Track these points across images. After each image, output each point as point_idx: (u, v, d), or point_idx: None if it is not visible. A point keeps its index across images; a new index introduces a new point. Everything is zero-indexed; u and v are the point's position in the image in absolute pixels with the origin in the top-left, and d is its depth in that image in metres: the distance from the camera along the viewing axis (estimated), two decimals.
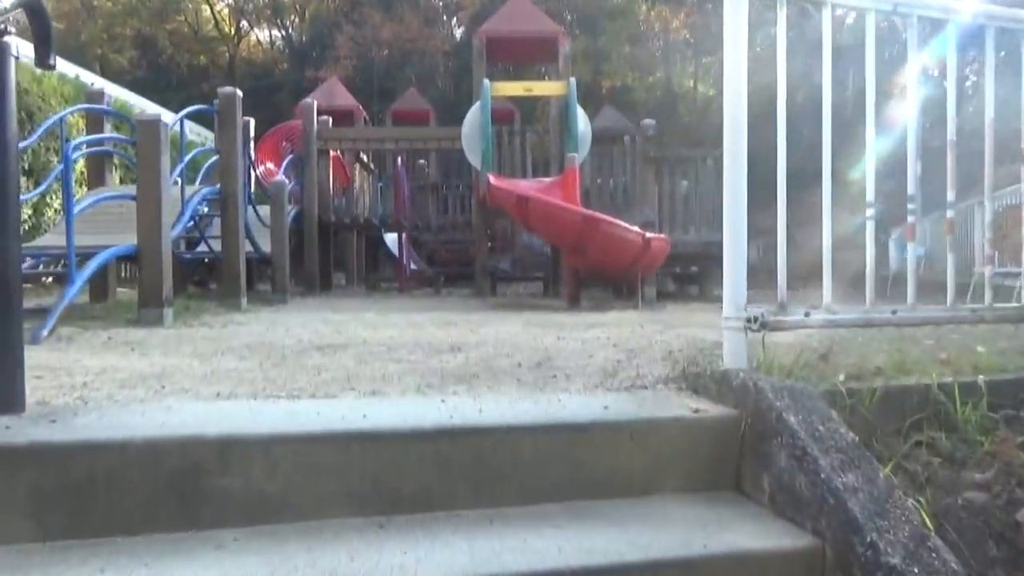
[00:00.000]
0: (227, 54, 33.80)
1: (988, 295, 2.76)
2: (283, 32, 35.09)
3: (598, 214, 7.19)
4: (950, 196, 2.88)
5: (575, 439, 1.81)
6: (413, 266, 13.72)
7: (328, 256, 11.09)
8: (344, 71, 28.67)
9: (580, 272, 7.93)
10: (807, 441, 1.77)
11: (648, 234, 7.49)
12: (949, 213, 2.87)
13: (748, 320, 2.29)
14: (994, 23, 2.63)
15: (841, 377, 2.52)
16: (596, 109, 17.63)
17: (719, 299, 8.27)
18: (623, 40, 24.05)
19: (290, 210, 9.68)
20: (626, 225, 7.41)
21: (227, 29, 34.34)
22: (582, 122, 8.76)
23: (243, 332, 4.51)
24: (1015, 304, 2.80)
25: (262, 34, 35.66)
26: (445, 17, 34.06)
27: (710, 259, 10.28)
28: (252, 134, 11.26)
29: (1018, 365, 2.92)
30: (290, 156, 11.12)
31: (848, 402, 2.34)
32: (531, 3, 10.66)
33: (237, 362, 2.84)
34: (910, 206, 2.64)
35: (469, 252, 13.55)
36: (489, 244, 10.98)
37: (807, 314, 2.43)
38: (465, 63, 31.71)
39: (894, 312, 2.57)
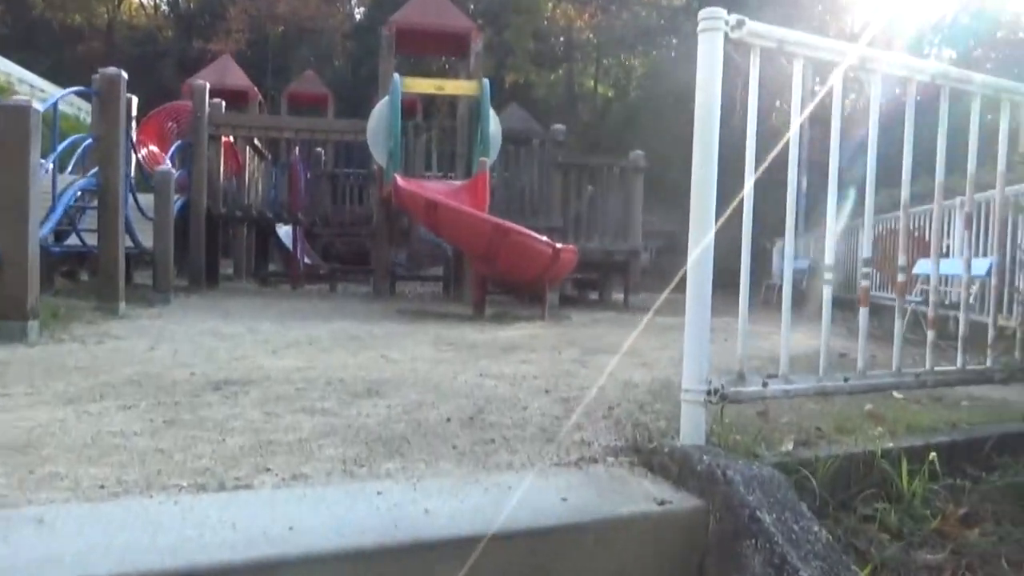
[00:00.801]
0: (106, 15, 31.35)
1: (929, 358, 2.74)
2: None
3: (509, 224, 7.00)
4: (901, 260, 2.86)
5: (536, 547, 1.60)
6: (307, 260, 13.13)
7: (216, 248, 10.38)
8: (236, 45, 27.21)
9: (486, 280, 7.73)
10: (785, 548, 1.63)
11: (558, 245, 7.37)
12: (900, 277, 2.83)
13: (709, 393, 2.14)
14: (948, 83, 2.61)
15: (790, 445, 2.43)
16: (499, 104, 17.45)
17: (617, 304, 8.23)
18: (527, 35, 23.97)
19: (176, 200, 8.97)
20: (536, 236, 7.26)
21: None
22: (493, 124, 8.54)
23: (124, 352, 4.02)
24: (955, 367, 2.80)
25: None
26: None
27: (611, 267, 10.35)
28: (135, 113, 10.40)
29: (947, 420, 2.95)
30: (178, 142, 10.31)
31: (800, 474, 2.25)
32: None
33: (122, 416, 2.44)
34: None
35: (366, 245, 13.10)
36: None
37: (765, 384, 2.31)
38: (365, 46, 30.86)
39: (846, 379, 2.51)
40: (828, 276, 2.61)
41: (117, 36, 30.79)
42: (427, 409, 2.73)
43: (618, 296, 10.67)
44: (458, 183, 8.32)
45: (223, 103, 10.14)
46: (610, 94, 28.28)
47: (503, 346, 4.97)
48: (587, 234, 9.94)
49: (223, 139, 10.16)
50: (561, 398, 3.03)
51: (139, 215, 7.84)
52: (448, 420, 2.56)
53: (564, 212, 9.83)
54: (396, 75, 8.36)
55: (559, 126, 9.97)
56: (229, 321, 6.07)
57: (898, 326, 2.73)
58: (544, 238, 7.29)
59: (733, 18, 2.12)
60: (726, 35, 2.12)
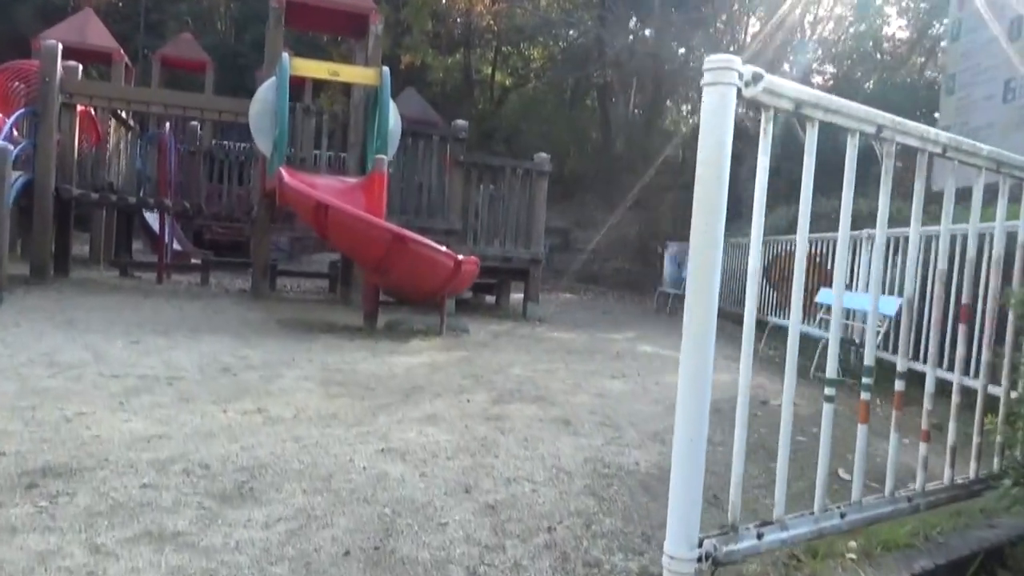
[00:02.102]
0: None
1: (920, 477, 2.38)
2: None
3: (408, 232, 6.37)
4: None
5: None
6: (177, 246, 11.92)
7: (67, 232, 9.12)
8: None
9: (379, 290, 7.07)
10: None
11: (460, 257, 6.81)
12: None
13: (700, 559, 1.66)
14: (958, 155, 2.26)
15: None
16: (395, 87, 16.61)
17: (516, 313, 7.74)
18: (426, 16, 23.06)
19: (17, 178, 7.74)
20: (437, 246, 6.67)
21: None
22: (393, 117, 7.83)
23: None
24: (944, 484, 2.47)
25: None
26: None
27: (510, 273, 9.89)
28: None
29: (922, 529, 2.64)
30: (23, 108, 8.94)
31: None
32: None
33: None
34: None
35: (244, 230, 12.04)
36: None
37: (760, 535, 1.86)
38: (251, 8, 28.87)
39: (842, 515, 2.10)
40: (830, 392, 2.19)
41: None
42: (318, 529, 2.13)
43: (516, 299, 10.25)
44: (351, 180, 7.57)
45: (80, 67, 8.84)
46: (508, 82, 27.81)
47: (402, 387, 4.37)
48: (487, 238, 9.43)
49: (80, 107, 8.89)
50: (486, 504, 2.48)
51: None
52: (347, 554, 1.98)
53: (464, 214, 9.26)
54: (284, 55, 7.48)
55: (461, 121, 9.35)
56: (72, 336, 5.14)
57: (894, 440, 2.35)
58: (444, 248, 6.70)
59: (748, 71, 1.64)
60: (739, 91, 1.65)
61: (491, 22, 23.83)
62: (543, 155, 9.59)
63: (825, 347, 5.94)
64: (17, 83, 10.33)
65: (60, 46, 8.09)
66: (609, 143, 23.93)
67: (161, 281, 9.78)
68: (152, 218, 11.58)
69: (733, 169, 1.69)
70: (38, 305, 6.57)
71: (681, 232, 18.41)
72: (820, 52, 20.94)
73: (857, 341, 5.97)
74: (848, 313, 6.75)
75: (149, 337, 5.50)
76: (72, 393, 3.58)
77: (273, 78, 7.74)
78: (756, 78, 1.65)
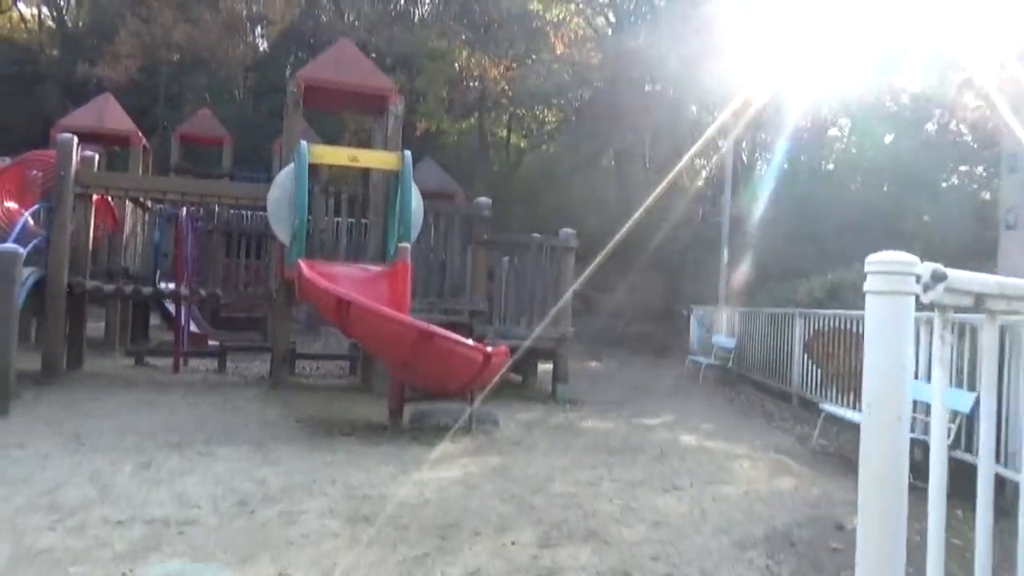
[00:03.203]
0: None
1: None
2: (55, 12, 30.34)
3: (436, 329, 6.01)
4: None
5: None
6: (193, 327, 11.64)
7: (81, 326, 8.85)
8: (126, 72, 25.19)
9: (404, 386, 6.68)
10: None
11: (489, 348, 6.43)
12: None
13: None
14: None
15: None
16: (413, 159, 16.54)
17: (544, 395, 7.29)
18: (441, 83, 23.28)
19: (29, 275, 7.51)
20: (466, 341, 6.30)
21: None
22: (415, 201, 7.56)
23: None
24: None
25: (29, 11, 30.53)
26: (249, 25, 31.35)
27: (538, 354, 9.48)
28: None
29: None
30: (39, 201, 8.78)
31: None
32: (358, 50, 9.32)
33: None
34: None
35: (260, 306, 11.73)
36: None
37: None
38: (269, 79, 29.31)
39: None
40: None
41: None
42: None
43: (543, 374, 9.82)
44: (374, 269, 7.26)
45: (96, 156, 8.71)
46: (523, 144, 27.87)
47: (436, 521, 3.93)
48: (513, 317, 9.07)
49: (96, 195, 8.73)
50: None
51: None
52: None
53: (489, 294, 8.92)
54: (303, 143, 7.27)
55: (484, 199, 9.09)
56: (78, 460, 4.77)
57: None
58: (472, 343, 6.33)
59: (927, 270, 1.27)
60: (917, 297, 1.28)
61: (505, 87, 23.93)
62: (569, 230, 9.29)
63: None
64: (35, 172, 10.22)
65: (75, 139, 7.94)
66: (626, 203, 23.72)
67: (177, 369, 9.46)
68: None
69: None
70: (46, 415, 6.23)
71: (703, 293, 18.01)
72: (833, 105, 20.77)
73: (927, 438, 5.45)
74: (914, 405, 6.25)
75: (162, 453, 5.13)
76: (72, 554, 3.19)
77: (291, 165, 7.52)
78: (937, 277, 1.27)
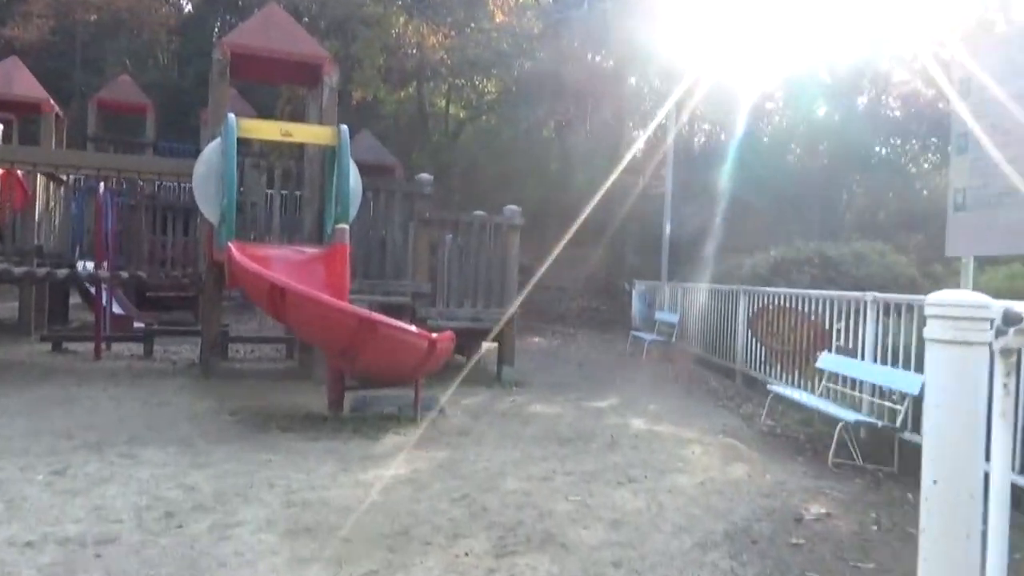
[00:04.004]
0: None
1: None
2: None
3: (378, 316, 5.70)
4: None
5: None
6: (117, 309, 10.99)
7: None
8: (38, 31, 23.63)
9: (343, 375, 6.36)
10: None
11: (434, 335, 6.16)
12: None
13: None
14: None
15: None
16: (350, 132, 15.95)
17: (489, 377, 7.05)
18: (377, 50, 22.49)
19: None
20: (409, 328, 6.02)
21: None
22: (353, 179, 7.17)
23: None
24: None
25: None
26: None
27: (482, 334, 9.24)
28: None
29: None
30: None
31: None
32: (289, 16, 8.77)
33: None
34: None
35: (189, 286, 11.19)
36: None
37: None
38: (194, 43, 27.96)
39: None
40: None
41: None
42: None
43: (487, 357, 9.59)
44: (309, 252, 6.87)
45: (0, 128, 8.00)
46: (462, 115, 27.33)
47: (384, 529, 3.68)
48: (457, 298, 8.79)
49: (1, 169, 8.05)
50: None
51: None
52: None
53: (431, 274, 8.61)
54: (231, 116, 6.77)
55: (425, 175, 8.74)
56: None
57: None
58: (416, 329, 6.05)
59: (998, 312, 1.06)
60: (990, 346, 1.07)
61: (444, 56, 23.31)
62: (514, 207, 9.03)
63: (845, 429, 5.43)
64: None
65: None
66: (568, 175, 23.52)
67: (99, 356, 8.89)
68: (87, 268, 10.62)
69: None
70: None
71: (646, 268, 18.03)
72: (771, 77, 20.93)
73: (878, 422, 5.45)
74: (852, 383, 6.27)
75: (79, 457, 4.71)
76: None
77: (218, 140, 7.02)
78: (1010, 320, 1.06)
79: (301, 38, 8.35)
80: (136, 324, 11.20)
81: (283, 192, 8.77)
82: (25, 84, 11.16)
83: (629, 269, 18.89)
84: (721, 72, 20.57)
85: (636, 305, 15.68)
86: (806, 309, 7.55)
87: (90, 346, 9.14)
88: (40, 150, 9.26)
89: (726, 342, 9.80)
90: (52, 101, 11.29)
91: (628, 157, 24.35)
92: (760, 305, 8.82)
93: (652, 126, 23.54)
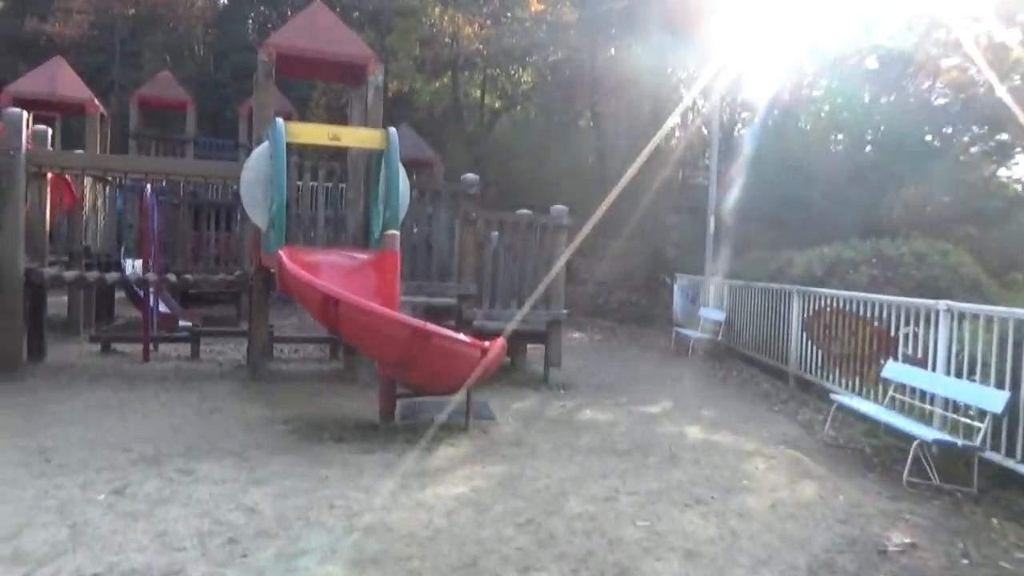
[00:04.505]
0: None
1: None
2: None
3: (431, 327, 5.59)
4: None
5: None
6: (163, 307, 11.04)
7: (41, 311, 8.24)
8: (78, 28, 23.91)
9: (395, 384, 6.26)
10: None
11: (486, 343, 6.04)
12: None
13: None
14: None
15: None
16: (387, 119, 15.85)
17: (537, 380, 6.86)
18: (413, 41, 22.37)
19: None
20: (462, 337, 5.90)
21: None
22: (402, 183, 7.05)
23: None
24: None
25: None
26: None
27: (529, 336, 9.10)
28: None
29: None
30: None
31: None
32: (333, 15, 8.65)
33: None
34: None
35: (233, 283, 11.23)
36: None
37: None
38: (230, 36, 28.10)
39: None
40: None
41: None
42: None
43: (532, 353, 9.45)
44: (360, 257, 6.76)
45: (49, 131, 8.02)
46: (497, 105, 27.11)
47: (452, 561, 3.57)
48: (503, 299, 8.66)
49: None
50: None
51: None
52: None
53: (478, 275, 8.49)
54: (279, 120, 6.67)
55: (471, 175, 8.60)
56: (44, 487, 4.30)
57: None
58: (469, 339, 5.92)
59: None
60: None
61: (480, 46, 23.09)
62: (561, 207, 8.85)
63: (921, 447, 5.16)
64: None
65: (25, 114, 7.23)
66: (606, 166, 23.21)
67: (147, 358, 8.91)
68: (134, 275, 10.69)
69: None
70: (7, 422, 5.71)
71: (687, 262, 17.67)
72: (815, 64, 20.36)
73: (957, 441, 5.19)
74: (922, 394, 6.01)
75: (137, 473, 4.68)
76: None
77: (265, 144, 6.94)
78: None
79: (346, 37, 8.24)
80: (181, 322, 11.28)
81: (327, 184, 8.73)
82: (70, 84, 11.24)
83: (669, 263, 18.57)
84: (763, 60, 20.10)
85: (678, 300, 15.42)
86: (868, 314, 7.28)
87: (138, 347, 9.17)
88: (89, 155, 9.29)
89: (778, 343, 9.53)
90: (96, 101, 11.35)
91: (667, 148, 24.01)
92: (817, 307, 8.55)
93: (692, 116, 23.13)
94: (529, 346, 9.56)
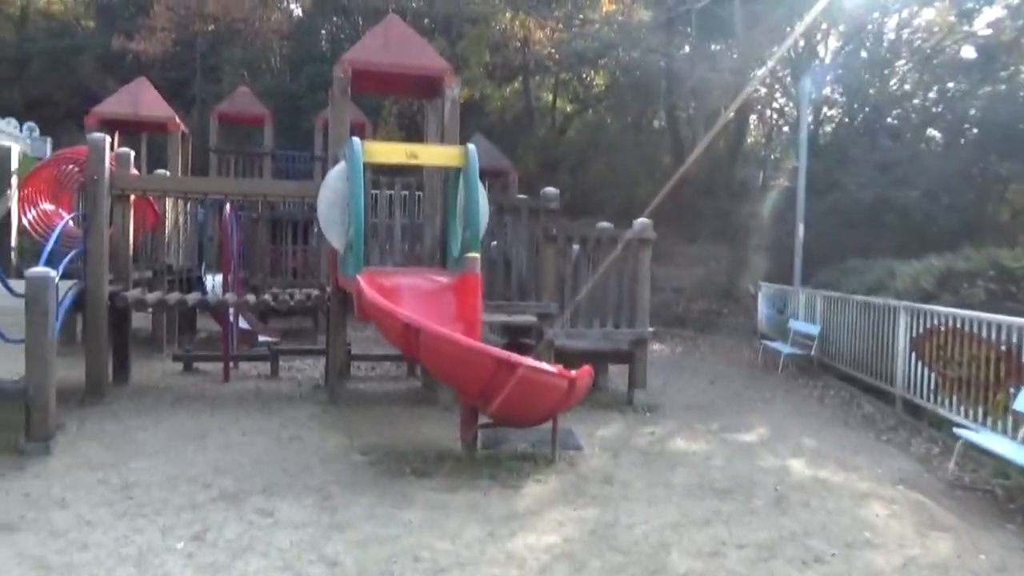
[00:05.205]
0: (18, 3, 28.25)
1: None
2: None
3: (517, 357, 5.28)
4: None
5: None
6: (243, 324, 11.10)
7: (125, 332, 8.30)
8: (162, 45, 24.67)
9: (477, 411, 5.97)
10: None
11: (573, 373, 5.69)
12: None
13: None
14: None
15: None
16: (463, 135, 15.66)
17: (620, 401, 6.31)
18: (483, 47, 22.18)
19: (68, 291, 6.95)
20: (550, 368, 5.56)
21: None
22: (482, 202, 6.76)
23: None
24: None
25: None
26: None
27: (613, 356, 8.70)
28: (14, 163, 8.27)
29: None
30: (78, 212, 8.20)
31: None
32: (408, 28, 8.45)
33: None
34: None
35: (309, 296, 11.22)
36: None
37: None
38: (305, 47, 28.52)
39: None
40: None
41: (32, 26, 27.76)
42: None
43: (618, 387, 9.02)
44: (440, 280, 6.50)
45: (132, 154, 8.08)
46: (569, 109, 26.71)
47: None
48: (585, 318, 8.28)
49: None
50: None
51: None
52: None
53: (559, 293, 8.14)
54: (356, 140, 6.47)
55: (552, 190, 8.27)
56: (124, 531, 4.17)
57: None
58: (557, 369, 5.59)
59: None
60: None
61: (551, 51, 22.75)
62: (645, 220, 8.41)
63: None
64: (71, 166, 9.68)
65: (107, 139, 7.28)
66: (682, 168, 22.50)
67: (228, 378, 8.91)
68: (215, 282, 10.78)
69: None
70: (90, 453, 5.68)
71: (770, 269, 16.87)
72: (912, 66, 19.19)
73: None
74: None
75: (217, 514, 4.52)
76: None
77: (342, 164, 6.77)
78: None
79: (421, 50, 8.03)
80: (261, 338, 11.33)
81: (404, 193, 8.58)
82: (152, 104, 11.43)
83: (751, 269, 17.81)
84: (852, 54, 19.11)
85: (764, 310, 14.70)
86: (993, 336, 6.60)
87: (219, 365, 9.19)
88: (171, 178, 9.37)
89: (881, 361, 8.84)
90: (178, 119, 11.52)
91: (748, 148, 23.14)
92: (928, 325, 7.86)
93: (775, 115, 22.22)
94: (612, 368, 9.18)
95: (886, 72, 18.75)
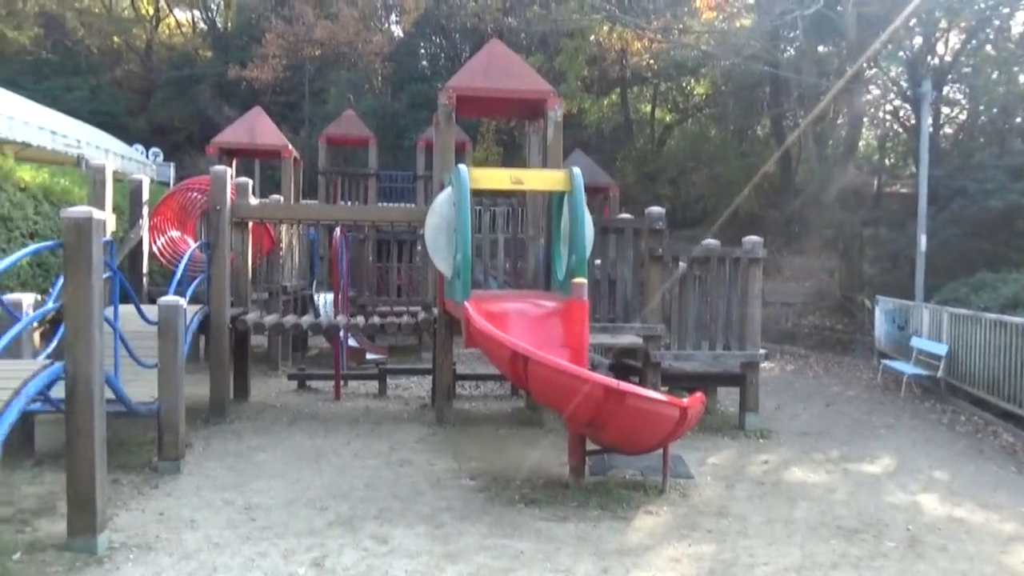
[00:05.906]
0: (144, 37, 30.40)
1: None
2: (205, 15, 31.80)
3: (626, 386, 5.17)
4: None
5: None
6: (352, 342, 11.45)
7: (245, 359, 8.71)
8: (273, 72, 25.93)
9: (585, 439, 5.88)
10: None
11: (684, 400, 5.53)
12: None
13: None
14: None
15: None
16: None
17: (731, 424, 5.80)
18: (580, 61, 22.09)
19: (195, 315, 7.34)
20: (659, 396, 5.43)
21: (144, 9, 30.86)
22: (588, 226, 6.70)
23: None
24: None
25: (183, 16, 32.17)
26: (384, 15, 31.57)
27: (722, 379, 8.43)
28: (146, 195, 8.83)
29: None
30: (203, 240, 8.67)
31: None
32: (510, 52, 8.51)
33: None
34: None
35: (421, 326, 11.45)
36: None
37: None
38: (406, 67, 29.25)
39: None
40: None
41: (156, 58, 29.83)
42: None
43: (728, 408, 8.74)
44: (546, 305, 6.47)
45: (250, 183, 8.49)
46: (668, 119, 26.24)
47: None
48: (693, 339, 8.06)
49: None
50: None
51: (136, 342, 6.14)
52: None
53: (665, 314, 7.97)
54: (462, 168, 6.54)
55: (657, 209, 8.11)
56: (250, 555, 4.32)
57: None
58: (667, 398, 5.44)
59: None
60: None
61: (650, 61, 22.47)
62: (755, 238, 8.12)
63: None
64: (195, 194, 10.26)
65: (229, 171, 7.67)
66: (789, 177, 21.71)
67: (339, 395, 9.20)
68: (325, 311, 11.17)
69: None
70: (216, 473, 5.95)
71: (887, 282, 15.94)
72: None
73: None
74: None
75: (334, 539, 4.64)
76: None
77: (449, 190, 6.86)
78: None
79: (524, 74, 8.07)
80: (369, 355, 11.66)
81: (507, 208, 8.65)
82: (267, 133, 11.99)
83: (866, 282, 16.90)
84: (974, 53, 17.91)
85: (882, 327, 13.88)
86: None
87: (330, 383, 9.50)
88: (286, 206, 9.83)
89: (1020, 385, 8.18)
90: (290, 146, 12.04)
91: (860, 153, 22.04)
92: None
93: (889, 119, 21.10)
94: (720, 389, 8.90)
95: (1015, 69, 17.46)
